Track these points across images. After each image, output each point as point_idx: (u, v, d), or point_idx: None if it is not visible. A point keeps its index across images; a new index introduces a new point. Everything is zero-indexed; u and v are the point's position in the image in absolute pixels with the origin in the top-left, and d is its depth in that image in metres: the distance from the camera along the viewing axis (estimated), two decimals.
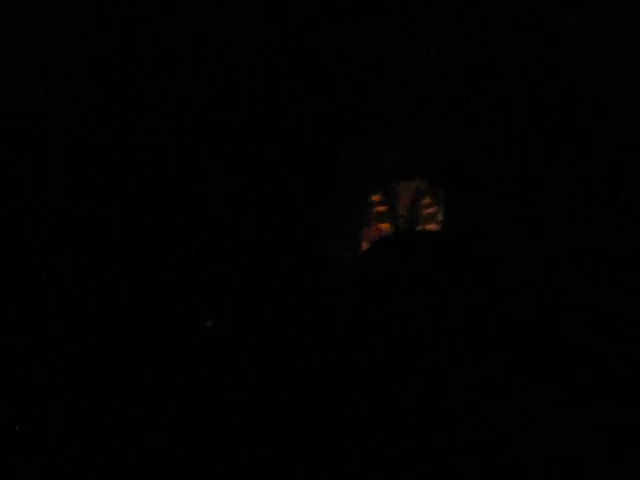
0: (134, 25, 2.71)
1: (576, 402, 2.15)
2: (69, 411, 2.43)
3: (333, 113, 2.83)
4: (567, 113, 2.55)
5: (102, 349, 2.58)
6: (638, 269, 2.37)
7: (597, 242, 2.46)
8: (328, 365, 2.64)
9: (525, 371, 2.32)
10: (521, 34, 2.59)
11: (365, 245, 3.28)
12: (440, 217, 3.30)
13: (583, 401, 2.14)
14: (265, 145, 2.83)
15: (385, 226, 3.67)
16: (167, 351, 2.60)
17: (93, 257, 2.66)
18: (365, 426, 2.26)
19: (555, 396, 2.21)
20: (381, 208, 3.59)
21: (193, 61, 2.76)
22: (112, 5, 2.69)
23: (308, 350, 2.68)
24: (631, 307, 2.31)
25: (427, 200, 3.43)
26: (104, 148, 2.71)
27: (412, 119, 2.82)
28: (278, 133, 2.82)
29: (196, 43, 2.74)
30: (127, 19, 2.70)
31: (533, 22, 2.58)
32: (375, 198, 3.51)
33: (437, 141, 2.81)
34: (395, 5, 2.69)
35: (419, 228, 3.47)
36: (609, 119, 2.48)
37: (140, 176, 2.72)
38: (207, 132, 2.80)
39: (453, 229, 2.83)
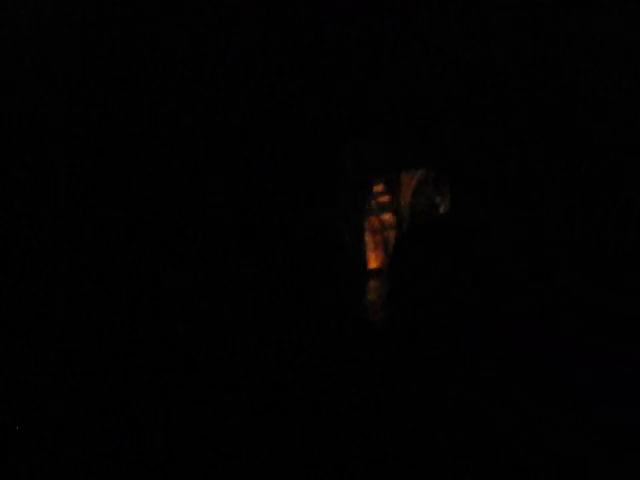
0: (134, 25, 2.71)
1: (576, 402, 2.15)
2: (69, 411, 2.43)
3: (333, 113, 2.83)
4: (567, 113, 2.55)
5: (102, 349, 2.58)
6: (638, 269, 2.37)
7: (597, 242, 2.46)
8: (328, 365, 2.64)
9: (525, 371, 2.32)
10: (521, 34, 2.59)
11: (368, 236, 3.25)
12: (444, 207, 3.28)
13: (583, 401, 2.14)
14: (265, 145, 2.83)
15: (388, 217, 3.63)
16: (167, 351, 2.60)
17: (93, 257, 2.66)
18: (365, 426, 2.26)
19: (555, 396, 2.21)
20: (383, 198, 3.55)
21: (193, 61, 2.76)
22: (112, 5, 2.69)
23: (307, 350, 2.68)
24: (631, 307, 2.31)
25: (430, 189, 3.39)
26: (104, 148, 2.71)
27: (411, 119, 2.82)
28: (278, 133, 2.82)
29: (196, 43, 2.74)
30: (127, 19, 2.70)
31: (533, 22, 2.58)
32: (377, 188, 3.48)
33: (436, 141, 2.81)
34: (395, 5, 2.69)
35: (422, 218, 3.43)
36: (609, 119, 2.48)
37: (140, 176, 2.72)
38: (207, 132, 2.80)
39: (452, 229, 2.83)
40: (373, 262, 3.24)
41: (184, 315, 2.67)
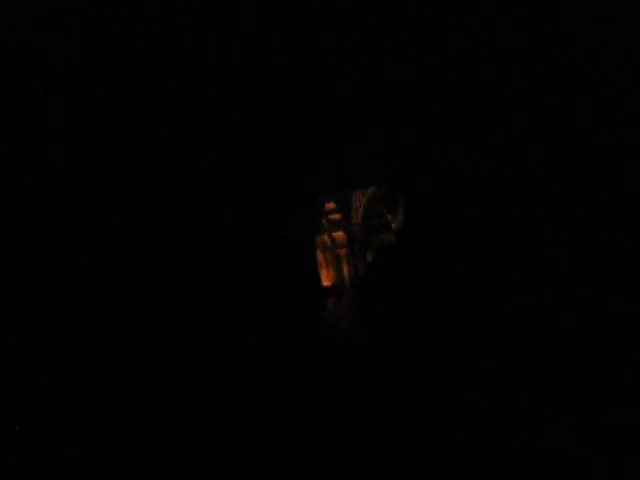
0: (134, 25, 2.71)
1: (576, 402, 2.15)
2: (69, 411, 2.43)
3: (290, 130, 2.85)
4: (567, 113, 2.55)
5: (102, 349, 2.58)
6: (638, 269, 2.37)
7: (597, 242, 2.46)
8: (328, 365, 2.64)
9: (525, 371, 2.33)
10: (521, 34, 2.59)
11: (319, 253, 3.32)
12: (394, 225, 3.30)
13: (583, 401, 2.14)
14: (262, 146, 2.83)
15: (339, 234, 3.66)
16: (167, 351, 2.60)
17: (93, 257, 2.66)
18: (365, 426, 2.26)
19: (555, 396, 2.21)
20: (334, 216, 3.57)
21: (193, 61, 2.75)
22: (112, 5, 2.69)
23: (308, 350, 2.68)
24: (631, 307, 2.31)
25: (381, 208, 3.41)
26: (104, 148, 2.71)
27: (411, 119, 2.82)
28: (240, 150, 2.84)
29: (196, 43, 2.74)
30: (127, 19, 2.70)
31: (533, 22, 2.57)
32: (328, 206, 3.50)
33: (436, 141, 2.81)
34: (395, 5, 2.68)
35: (374, 236, 3.47)
36: (609, 119, 2.48)
37: (140, 176, 2.72)
38: (207, 132, 2.80)
39: (454, 230, 2.83)
40: (324, 280, 3.26)
41: (185, 315, 2.67)
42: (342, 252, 3.80)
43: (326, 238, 3.79)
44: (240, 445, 2.22)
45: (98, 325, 2.61)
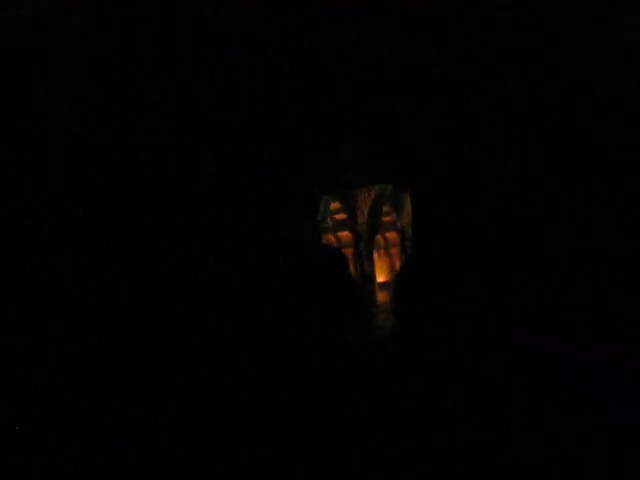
0: (134, 25, 2.71)
1: (576, 402, 2.15)
2: (69, 411, 2.43)
3: (291, 128, 2.85)
4: (567, 113, 2.55)
5: (102, 349, 2.58)
6: (638, 269, 2.37)
7: (597, 242, 2.46)
8: (328, 365, 2.64)
9: (525, 371, 2.33)
10: (521, 34, 2.59)
11: (327, 253, 3.30)
12: (399, 225, 3.29)
13: (583, 401, 2.14)
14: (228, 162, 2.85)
15: (344, 234, 3.62)
16: (167, 351, 2.60)
17: (93, 257, 2.66)
18: (365, 426, 2.26)
19: (555, 396, 2.21)
20: (340, 216, 3.53)
21: (193, 61, 2.76)
22: (112, 5, 2.69)
23: (308, 351, 2.68)
24: (631, 307, 2.31)
25: (387, 207, 3.39)
26: (104, 148, 2.71)
27: (411, 119, 2.82)
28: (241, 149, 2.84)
29: (196, 43, 2.74)
30: (127, 19, 2.70)
31: (533, 22, 2.58)
32: (334, 206, 3.48)
33: (437, 141, 2.81)
34: (395, 5, 2.69)
35: (378, 236, 3.45)
36: (609, 119, 2.48)
37: (140, 176, 2.72)
38: (207, 132, 2.80)
39: (454, 230, 2.83)
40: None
41: (185, 315, 2.67)
42: (348, 252, 3.80)
43: (332, 238, 3.81)
44: (249, 446, 2.23)
45: (98, 325, 2.61)
